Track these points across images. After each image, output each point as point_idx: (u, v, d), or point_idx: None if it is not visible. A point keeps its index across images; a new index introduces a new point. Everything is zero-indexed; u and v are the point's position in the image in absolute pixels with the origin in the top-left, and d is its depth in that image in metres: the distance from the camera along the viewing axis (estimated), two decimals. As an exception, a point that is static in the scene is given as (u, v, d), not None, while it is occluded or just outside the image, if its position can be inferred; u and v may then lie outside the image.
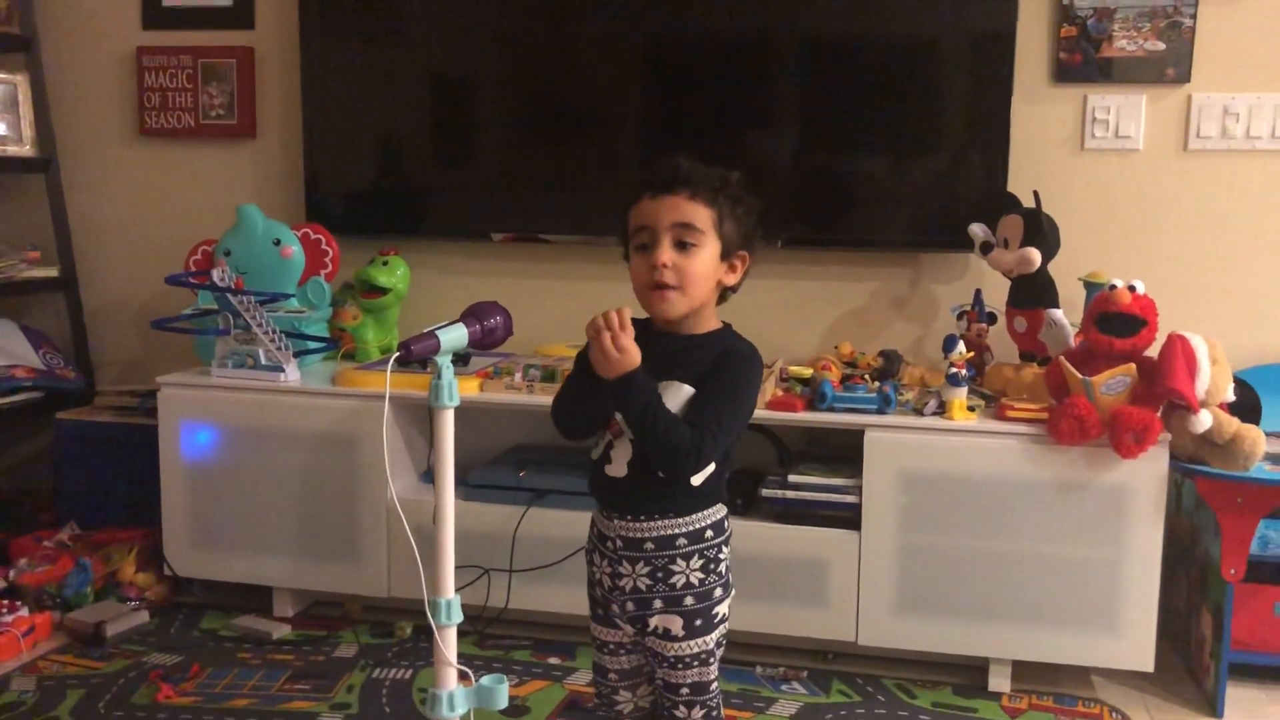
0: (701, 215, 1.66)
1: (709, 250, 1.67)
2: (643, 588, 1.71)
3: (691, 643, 1.72)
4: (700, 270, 1.66)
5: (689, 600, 1.71)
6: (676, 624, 1.71)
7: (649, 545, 1.70)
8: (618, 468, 1.71)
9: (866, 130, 2.93)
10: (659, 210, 1.66)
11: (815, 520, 2.57)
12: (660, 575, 1.70)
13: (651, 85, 3.07)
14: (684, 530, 1.70)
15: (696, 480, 1.69)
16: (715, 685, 1.77)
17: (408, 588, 2.74)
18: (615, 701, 1.85)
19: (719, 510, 1.75)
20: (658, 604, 1.71)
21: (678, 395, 1.67)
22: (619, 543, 1.72)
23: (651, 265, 1.66)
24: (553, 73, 3.10)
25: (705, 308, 1.73)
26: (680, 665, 1.73)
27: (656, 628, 1.72)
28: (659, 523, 1.70)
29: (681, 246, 1.66)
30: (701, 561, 1.71)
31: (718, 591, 1.73)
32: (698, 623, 1.72)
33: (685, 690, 1.74)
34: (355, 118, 3.20)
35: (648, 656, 1.79)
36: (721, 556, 1.74)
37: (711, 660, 1.75)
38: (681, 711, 1.75)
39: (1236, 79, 2.79)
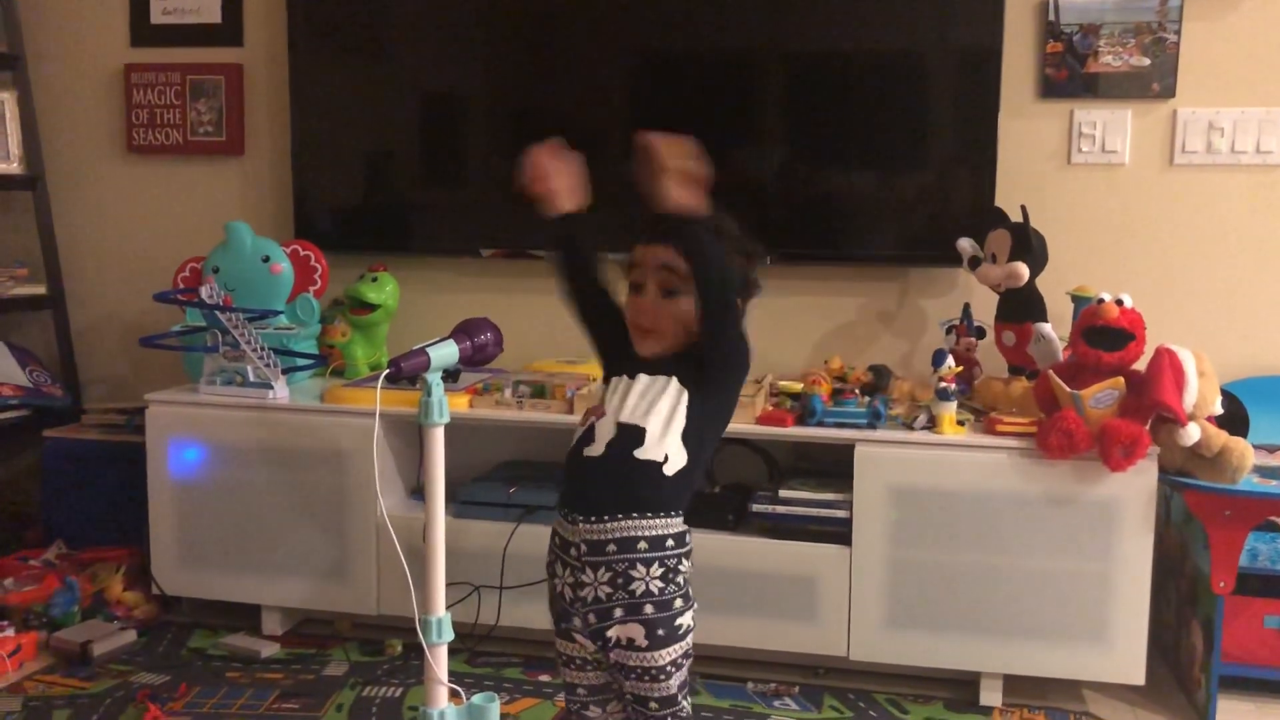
0: (686, 266, 1.74)
1: (692, 298, 1.75)
2: (603, 596, 1.73)
3: (657, 653, 1.73)
4: (680, 316, 1.77)
5: (649, 608, 1.72)
6: (639, 633, 1.72)
7: (611, 548, 1.72)
8: (597, 447, 1.76)
9: (855, 146, 2.94)
10: (648, 254, 1.78)
11: (806, 535, 2.57)
12: (620, 582, 1.72)
13: (639, 101, 3.08)
14: (646, 534, 1.73)
15: (669, 470, 1.73)
16: (684, 697, 1.78)
17: (398, 605, 2.73)
18: (586, 718, 1.86)
19: (680, 523, 1.77)
20: (618, 612, 1.73)
21: (668, 388, 1.75)
22: (583, 548, 1.74)
23: (636, 306, 1.79)
24: (541, 89, 3.10)
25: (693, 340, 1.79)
26: (647, 678, 1.74)
27: (619, 639, 1.73)
28: (622, 523, 1.72)
29: (668, 293, 1.77)
30: (661, 570, 1.73)
31: (678, 602, 1.75)
32: (660, 632, 1.73)
33: (654, 705, 1.75)
34: (344, 134, 3.21)
35: (613, 673, 1.79)
36: (681, 568, 1.76)
37: (676, 673, 1.75)
38: None
39: (1221, 94, 2.81)
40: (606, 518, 1.73)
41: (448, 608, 1.78)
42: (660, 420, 1.74)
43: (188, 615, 2.99)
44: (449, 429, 1.77)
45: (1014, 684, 2.56)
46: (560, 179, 1.85)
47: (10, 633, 2.72)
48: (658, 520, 1.73)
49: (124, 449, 3.08)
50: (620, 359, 1.83)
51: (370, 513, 2.73)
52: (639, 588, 1.72)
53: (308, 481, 2.77)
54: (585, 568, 1.74)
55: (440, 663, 1.75)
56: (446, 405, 1.75)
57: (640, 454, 1.72)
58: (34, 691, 2.57)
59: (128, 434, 3.13)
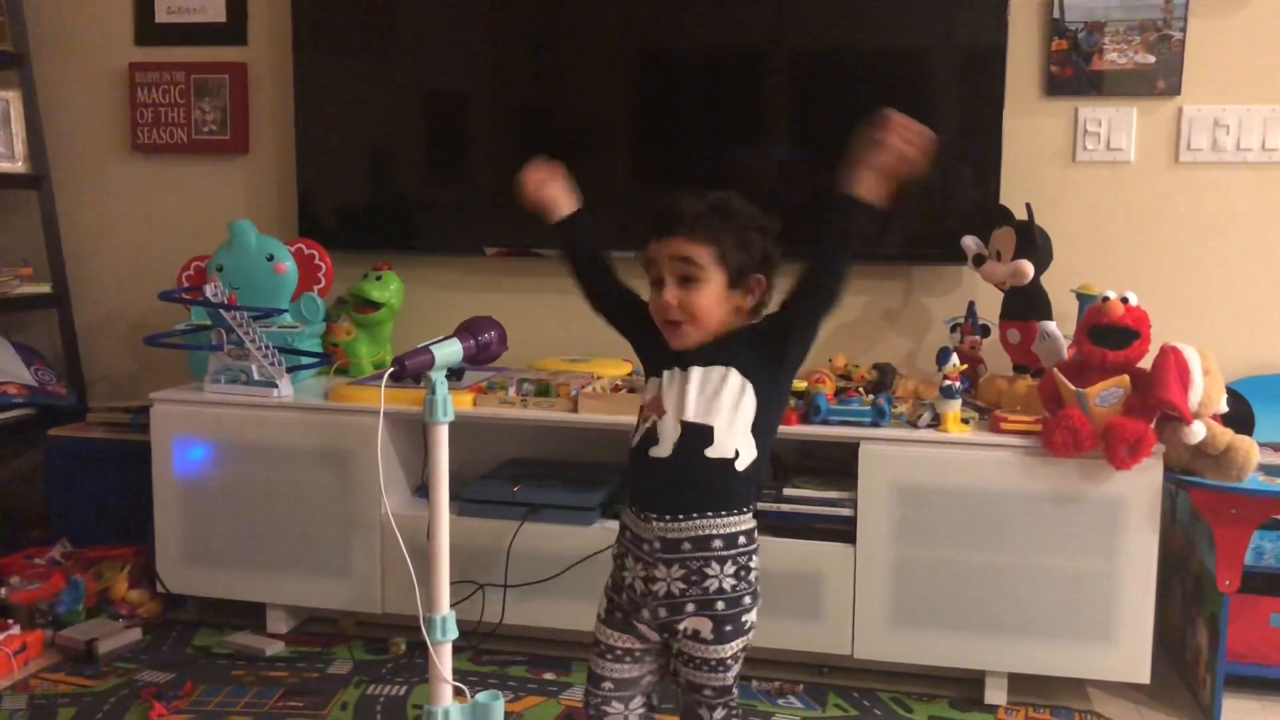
0: (701, 253, 1.73)
1: (713, 283, 1.75)
2: (676, 591, 1.74)
3: (720, 647, 1.75)
4: (705, 303, 1.75)
5: (720, 605, 1.73)
6: (706, 626, 1.74)
7: (686, 545, 1.72)
8: (664, 448, 1.74)
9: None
10: (660, 249, 1.76)
11: (810, 533, 2.57)
12: (694, 579, 1.73)
13: (644, 99, 3.07)
14: (720, 532, 1.73)
15: (740, 466, 1.72)
16: (735, 687, 1.80)
17: (402, 604, 2.73)
18: (605, 713, 1.85)
19: (751, 519, 1.78)
20: (690, 607, 1.74)
21: (728, 380, 1.73)
22: (656, 545, 1.74)
23: (658, 302, 1.76)
24: (545, 87, 3.10)
25: (728, 324, 1.79)
26: (705, 668, 1.76)
27: (687, 629, 1.75)
28: (696, 522, 1.72)
29: (686, 281, 1.74)
30: (734, 568, 1.74)
31: (747, 599, 1.76)
32: (727, 628, 1.74)
33: (709, 692, 1.77)
34: (348, 133, 3.21)
35: (671, 658, 1.81)
36: (752, 565, 1.77)
37: (734, 665, 1.78)
38: (705, 713, 1.79)
39: (1226, 91, 2.80)
40: (681, 517, 1.72)
41: (452, 606, 1.78)
42: (726, 415, 1.73)
43: (192, 613, 2.99)
44: (453, 427, 1.77)
45: (1019, 682, 2.56)
46: (556, 182, 1.90)
47: (16, 631, 2.73)
48: (732, 518, 1.74)
49: (129, 447, 3.08)
50: (662, 353, 1.81)
51: (375, 511, 2.73)
52: (712, 584, 1.73)
53: (312, 480, 2.78)
54: (659, 564, 1.74)
55: (444, 661, 1.75)
56: (450, 403, 1.75)
57: (711, 453, 1.72)
58: (39, 689, 2.57)
59: (132, 432, 3.13)
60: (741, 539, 1.74)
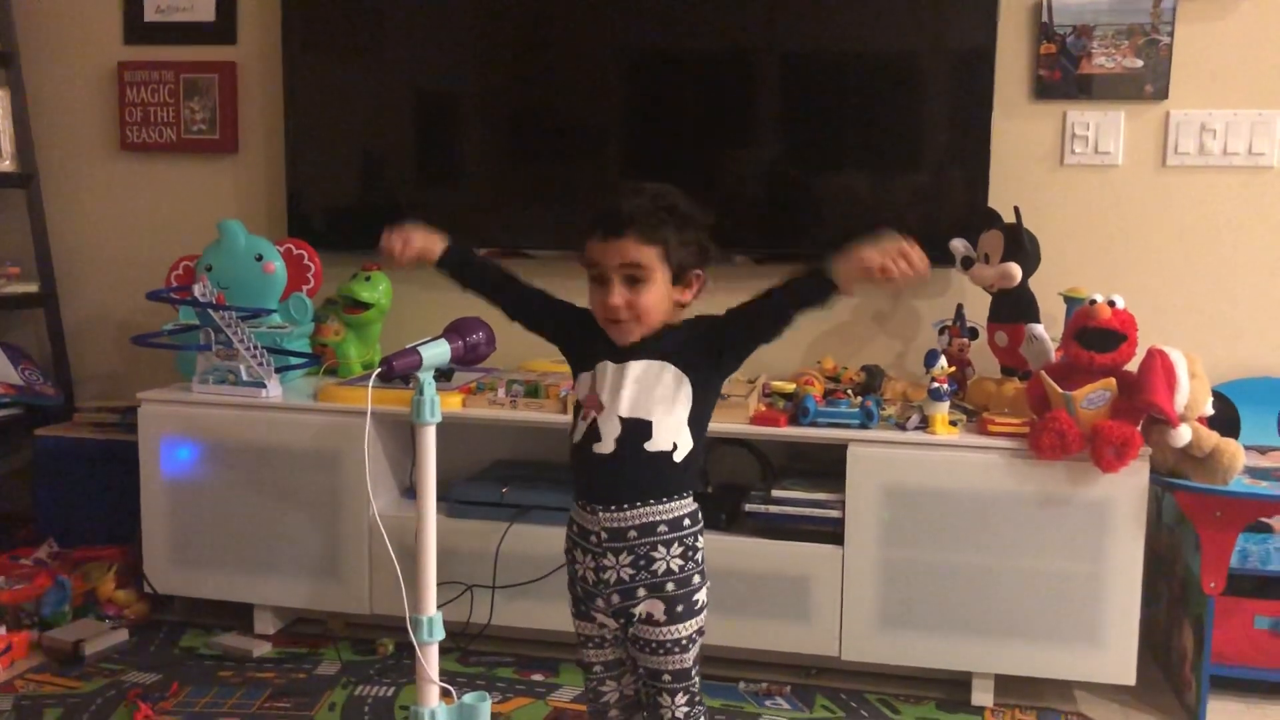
0: (648, 254, 1.74)
1: (659, 282, 1.76)
2: (626, 578, 1.77)
3: (674, 628, 1.77)
4: (651, 301, 1.76)
5: (670, 586, 1.77)
6: (659, 609, 1.77)
7: (632, 533, 1.76)
8: (606, 444, 1.76)
9: (848, 146, 2.95)
10: (607, 252, 1.75)
11: (798, 535, 2.58)
12: (643, 563, 1.76)
13: (633, 100, 3.08)
14: (665, 517, 1.76)
15: (678, 457, 1.76)
16: (696, 672, 1.82)
17: (390, 605, 2.73)
18: (601, 693, 1.91)
19: (692, 501, 1.81)
20: (641, 592, 1.77)
21: (665, 375, 1.76)
22: (603, 535, 1.77)
23: (606, 303, 1.75)
24: (535, 88, 3.10)
25: (667, 318, 1.80)
26: (661, 651, 1.78)
27: (641, 614, 1.78)
28: (641, 510, 1.76)
29: (632, 281, 1.75)
30: (681, 549, 1.78)
31: (696, 578, 1.79)
32: (679, 608, 1.77)
33: (667, 677, 1.79)
34: (338, 133, 3.20)
35: (629, 647, 1.83)
36: (698, 545, 1.81)
37: (691, 647, 1.80)
38: (665, 699, 1.80)
39: (1213, 95, 2.82)
40: (626, 506, 1.76)
41: (440, 607, 1.78)
42: (663, 410, 1.76)
43: (179, 614, 2.98)
44: (441, 428, 1.78)
45: (1005, 684, 2.57)
46: (416, 236, 1.92)
47: (1, 631, 2.72)
48: (674, 503, 1.77)
49: (116, 447, 3.07)
50: (593, 346, 1.81)
51: (363, 512, 2.73)
52: (660, 567, 1.76)
53: (300, 480, 2.77)
54: (607, 553, 1.78)
55: (431, 662, 1.75)
56: (439, 404, 1.76)
57: (650, 446, 1.75)
58: (25, 690, 2.57)
59: (120, 433, 3.12)
60: (686, 521, 1.79)
